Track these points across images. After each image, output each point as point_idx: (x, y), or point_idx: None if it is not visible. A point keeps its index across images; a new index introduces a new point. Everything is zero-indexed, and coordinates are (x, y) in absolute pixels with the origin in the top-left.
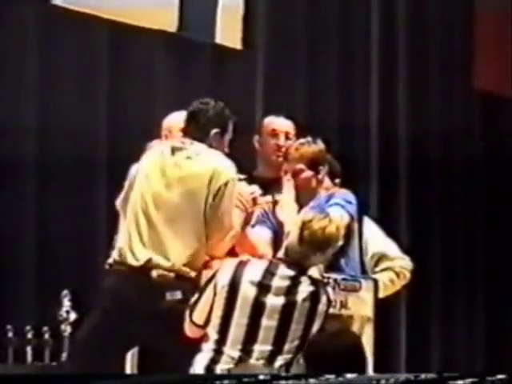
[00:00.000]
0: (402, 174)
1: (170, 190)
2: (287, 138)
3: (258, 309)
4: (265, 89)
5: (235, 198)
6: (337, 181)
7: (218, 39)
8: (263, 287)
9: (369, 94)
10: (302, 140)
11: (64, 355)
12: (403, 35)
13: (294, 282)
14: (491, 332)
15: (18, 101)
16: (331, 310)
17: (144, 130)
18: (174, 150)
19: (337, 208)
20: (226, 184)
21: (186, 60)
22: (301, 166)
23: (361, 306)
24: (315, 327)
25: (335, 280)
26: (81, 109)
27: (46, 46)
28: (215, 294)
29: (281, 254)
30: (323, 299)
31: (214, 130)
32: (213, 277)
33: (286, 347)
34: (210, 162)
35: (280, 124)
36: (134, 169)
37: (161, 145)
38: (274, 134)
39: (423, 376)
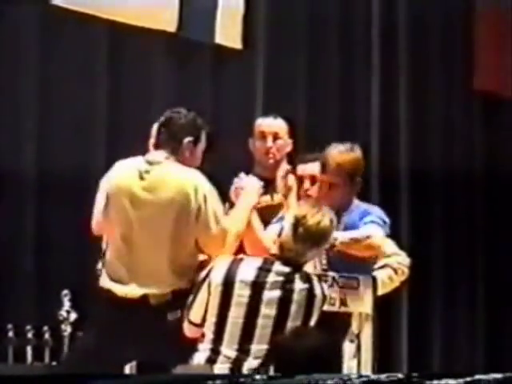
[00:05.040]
0: (402, 173)
1: (150, 215)
2: (276, 138)
3: (252, 308)
4: (265, 89)
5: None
6: None
7: (218, 39)
8: (257, 285)
9: (369, 93)
10: (340, 147)
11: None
12: (404, 36)
13: (289, 279)
14: (492, 332)
15: (18, 100)
16: (332, 308)
17: (143, 129)
18: (141, 174)
19: (375, 227)
20: (205, 200)
21: (186, 60)
22: (339, 180)
23: (360, 304)
24: (311, 324)
25: (333, 278)
26: (80, 109)
27: (46, 46)
28: (209, 294)
29: (274, 251)
30: (319, 295)
31: (187, 139)
32: (207, 276)
33: None
34: (181, 183)
35: (268, 125)
36: (106, 183)
37: (127, 164)
38: (263, 136)
39: (424, 374)
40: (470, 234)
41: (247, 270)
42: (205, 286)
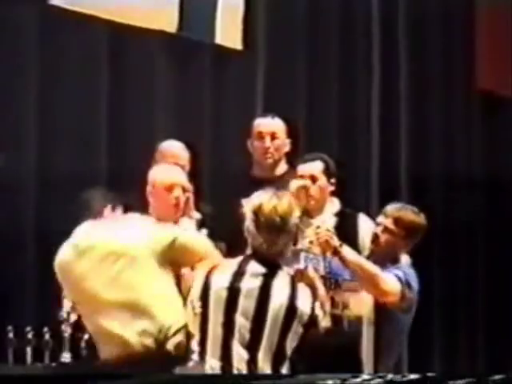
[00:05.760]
0: (402, 173)
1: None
2: (274, 138)
3: (229, 319)
4: (265, 89)
5: None
6: (332, 180)
7: (218, 39)
8: (233, 293)
9: (370, 93)
10: (408, 206)
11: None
12: (404, 35)
13: (266, 283)
14: (492, 332)
15: (18, 100)
16: (335, 311)
17: (144, 129)
18: (76, 245)
19: (393, 277)
20: (174, 240)
21: (186, 60)
22: (400, 234)
23: (362, 307)
24: (293, 329)
25: (336, 281)
26: (80, 109)
27: (46, 46)
28: (193, 308)
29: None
30: (301, 299)
31: None
32: (189, 291)
33: (261, 355)
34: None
35: (265, 125)
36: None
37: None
38: (261, 136)
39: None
40: (471, 235)
41: (222, 277)
42: (188, 303)
